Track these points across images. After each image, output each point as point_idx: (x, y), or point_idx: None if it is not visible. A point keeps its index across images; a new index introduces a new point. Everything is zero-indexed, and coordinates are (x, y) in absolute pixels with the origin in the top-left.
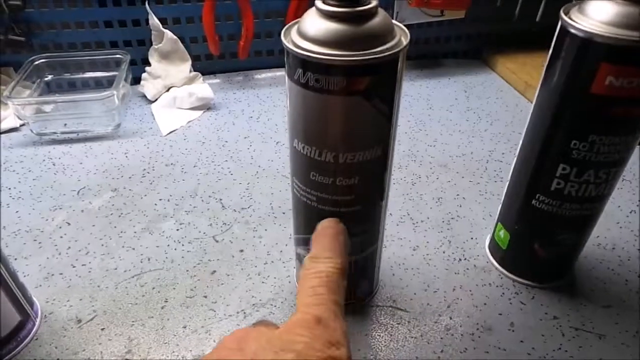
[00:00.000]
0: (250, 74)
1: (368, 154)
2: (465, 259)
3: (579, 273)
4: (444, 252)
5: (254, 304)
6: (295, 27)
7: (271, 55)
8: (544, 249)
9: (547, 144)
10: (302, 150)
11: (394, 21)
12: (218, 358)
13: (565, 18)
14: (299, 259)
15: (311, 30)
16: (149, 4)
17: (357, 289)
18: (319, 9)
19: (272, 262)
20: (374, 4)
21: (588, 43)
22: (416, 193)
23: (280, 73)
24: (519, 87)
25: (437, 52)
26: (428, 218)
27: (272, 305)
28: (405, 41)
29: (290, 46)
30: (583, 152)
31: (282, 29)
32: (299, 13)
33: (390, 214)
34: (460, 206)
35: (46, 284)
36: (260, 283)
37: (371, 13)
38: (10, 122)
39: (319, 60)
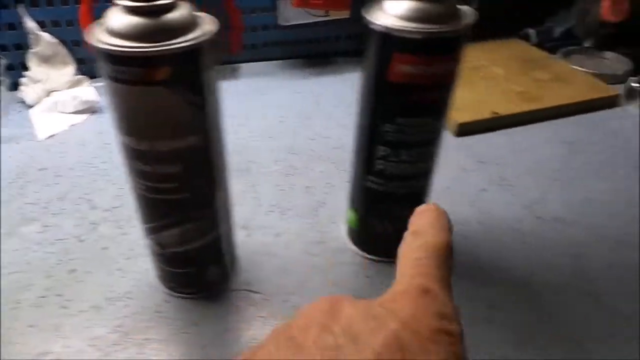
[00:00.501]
0: None
1: (184, 142)
2: (324, 242)
3: None
4: (305, 237)
5: (108, 298)
6: (100, 24)
7: None
8: (385, 226)
9: (368, 129)
10: (124, 141)
11: (203, 14)
12: (306, 320)
13: (366, 16)
14: (150, 250)
15: (114, 25)
16: (24, 6)
17: (207, 274)
18: (118, 4)
19: (135, 257)
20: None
21: (383, 36)
22: (288, 184)
23: None
24: None
25: (328, 51)
26: (296, 206)
27: (128, 298)
28: (209, 32)
29: (94, 41)
30: (394, 134)
31: None
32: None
33: (261, 204)
34: (328, 194)
35: None
36: (120, 278)
37: (167, 7)
38: None
39: (118, 52)
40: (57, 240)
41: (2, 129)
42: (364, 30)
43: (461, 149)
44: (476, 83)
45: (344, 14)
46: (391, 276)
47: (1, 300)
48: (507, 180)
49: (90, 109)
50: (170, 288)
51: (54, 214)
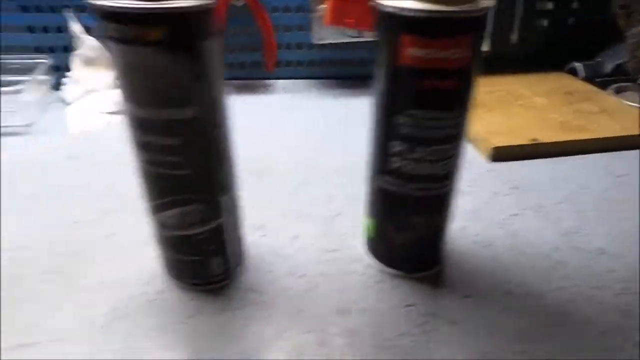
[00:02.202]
0: None
1: (182, 113)
2: (339, 250)
3: (450, 264)
4: (319, 243)
5: (109, 281)
6: None
7: None
8: (401, 234)
9: (381, 122)
10: (127, 109)
11: None
12: None
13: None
14: (154, 232)
15: None
16: (72, 11)
17: (209, 266)
18: None
19: (145, 245)
20: None
21: (392, 17)
22: (307, 192)
23: None
24: None
25: (359, 73)
26: (313, 213)
27: (122, 284)
28: (209, 2)
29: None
30: (409, 127)
31: None
32: None
33: (278, 208)
34: (349, 205)
35: None
36: (123, 263)
37: None
38: None
39: (115, 9)
40: (68, 223)
41: (39, 123)
42: None
43: (494, 174)
44: (514, 111)
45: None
46: (405, 293)
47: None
48: (543, 208)
49: None
50: (173, 277)
51: (71, 199)
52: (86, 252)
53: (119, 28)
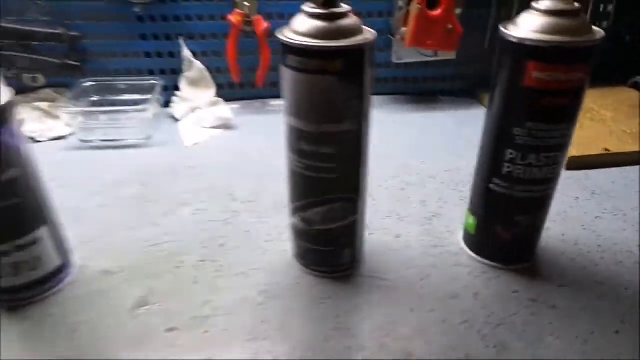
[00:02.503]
0: (266, 101)
1: (343, 127)
2: (440, 245)
3: (542, 259)
4: (422, 240)
5: (253, 269)
6: (288, 26)
7: None
8: (504, 231)
9: (497, 133)
10: (292, 124)
11: (363, 26)
12: None
13: (503, 29)
14: (294, 228)
15: (299, 27)
16: (183, 39)
17: (341, 255)
18: (304, 11)
19: (273, 240)
20: (343, 9)
21: (518, 46)
22: (404, 196)
23: None
24: None
25: (434, 90)
26: (412, 215)
27: (269, 270)
28: (370, 39)
29: (282, 37)
30: (524, 137)
31: None
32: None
33: (379, 211)
34: (442, 207)
35: (82, 248)
36: (261, 255)
37: (340, 15)
38: (59, 130)
39: (302, 46)
40: (208, 221)
41: (155, 136)
42: (467, 72)
43: (573, 181)
44: (585, 124)
45: (451, 55)
46: (508, 282)
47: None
48: (622, 211)
49: (225, 125)
50: (306, 266)
51: (203, 201)
52: (229, 245)
53: (303, 61)
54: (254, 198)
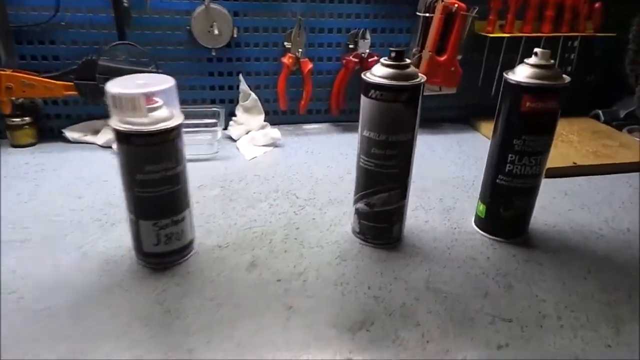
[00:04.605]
0: (299, 125)
1: (403, 136)
2: (458, 227)
3: (532, 235)
4: (445, 224)
5: (326, 242)
6: (368, 72)
7: (319, 113)
8: (506, 212)
9: (501, 143)
10: (368, 135)
11: (419, 72)
12: None
13: (506, 75)
14: (359, 211)
15: (377, 72)
16: (241, 74)
17: (392, 230)
18: (382, 63)
19: (334, 224)
20: (408, 62)
21: (517, 86)
22: (425, 195)
23: (325, 125)
24: None
25: (437, 117)
26: (434, 208)
27: (335, 243)
28: (422, 80)
29: (367, 78)
30: (520, 145)
31: (328, 97)
32: (341, 87)
33: (407, 205)
34: (456, 203)
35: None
36: (328, 234)
37: (407, 65)
38: None
39: (383, 84)
40: (281, 212)
41: (220, 152)
42: (464, 103)
43: (551, 186)
44: (557, 144)
45: (452, 90)
46: (509, 249)
47: (259, 237)
48: (587, 205)
49: (274, 144)
50: (365, 240)
51: (274, 199)
52: (302, 228)
53: (383, 94)
54: (312, 196)
